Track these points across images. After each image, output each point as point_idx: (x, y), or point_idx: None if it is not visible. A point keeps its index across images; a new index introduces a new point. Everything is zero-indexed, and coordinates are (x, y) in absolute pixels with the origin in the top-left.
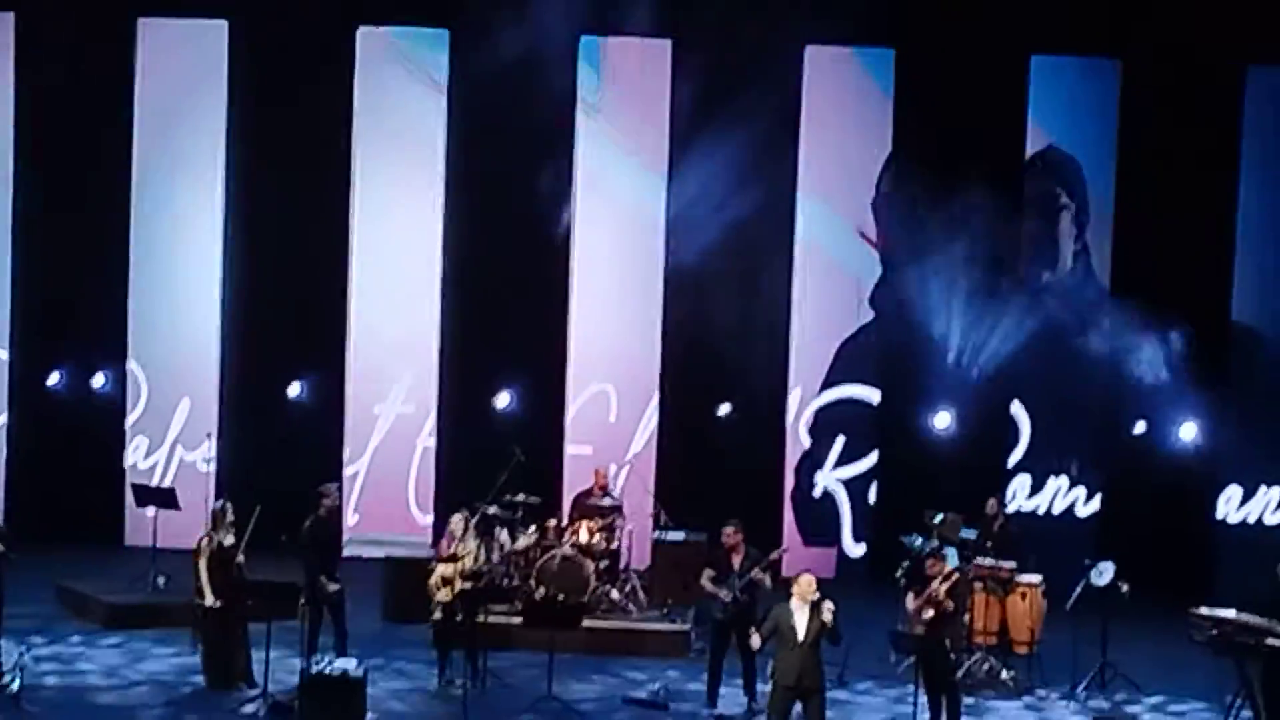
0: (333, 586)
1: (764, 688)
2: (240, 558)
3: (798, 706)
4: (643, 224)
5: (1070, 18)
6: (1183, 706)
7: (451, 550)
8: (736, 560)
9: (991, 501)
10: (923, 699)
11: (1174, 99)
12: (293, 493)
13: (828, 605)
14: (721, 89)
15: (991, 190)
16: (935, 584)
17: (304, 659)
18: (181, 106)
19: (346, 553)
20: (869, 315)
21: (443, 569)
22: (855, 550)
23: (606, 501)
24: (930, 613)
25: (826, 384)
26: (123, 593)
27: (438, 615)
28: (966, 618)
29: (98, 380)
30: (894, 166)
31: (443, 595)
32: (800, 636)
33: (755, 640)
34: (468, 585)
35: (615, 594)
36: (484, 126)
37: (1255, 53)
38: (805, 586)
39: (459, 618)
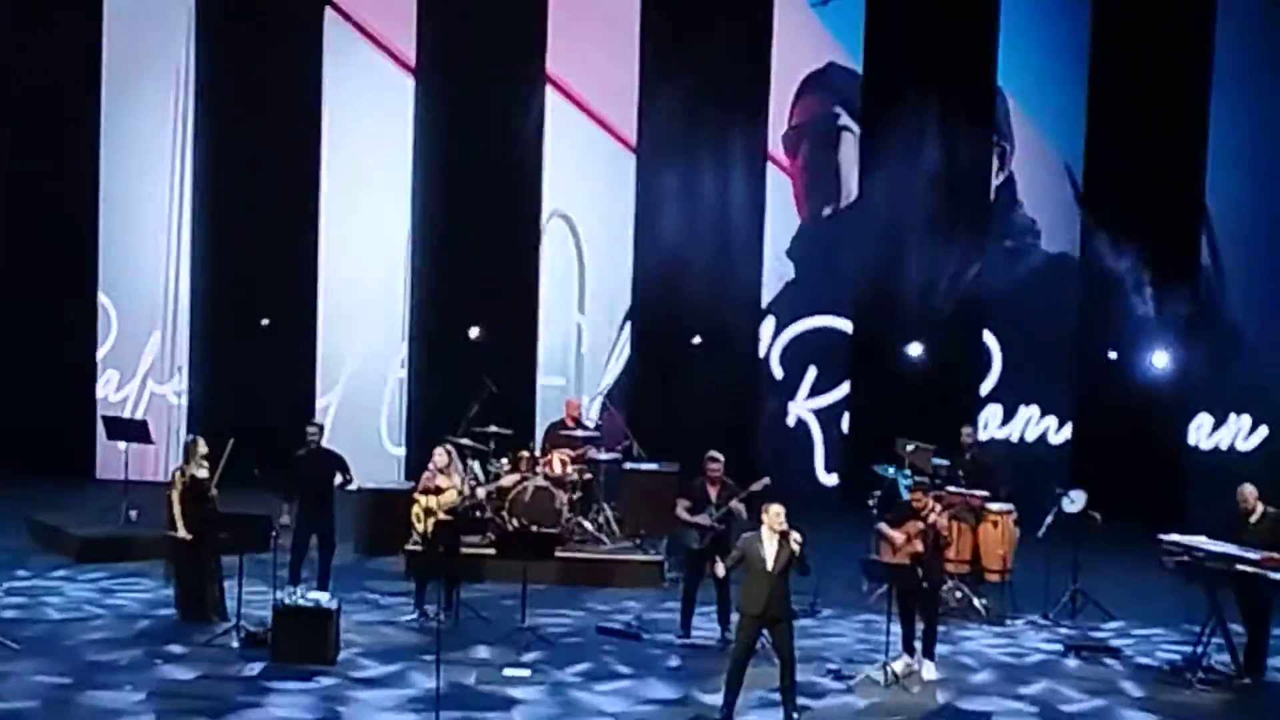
0: (284, 520)
1: (737, 618)
2: (213, 491)
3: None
4: (613, 155)
5: None
6: (1153, 632)
7: (435, 483)
8: (714, 491)
9: (965, 430)
10: (895, 627)
11: (1146, 30)
12: (265, 426)
13: (795, 536)
14: (692, 16)
15: (964, 122)
16: (936, 517)
17: (281, 589)
18: (150, 38)
19: None
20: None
21: (426, 500)
22: (828, 480)
23: (579, 433)
24: (920, 547)
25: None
26: (95, 526)
27: (418, 546)
28: None
29: (68, 313)
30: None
31: (422, 526)
32: (769, 566)
33: (719, 569)
34: (448, 517)
35: (588, 525)
36: (454, 51)
37: None
38: (774, 516)
39: (439, 549)
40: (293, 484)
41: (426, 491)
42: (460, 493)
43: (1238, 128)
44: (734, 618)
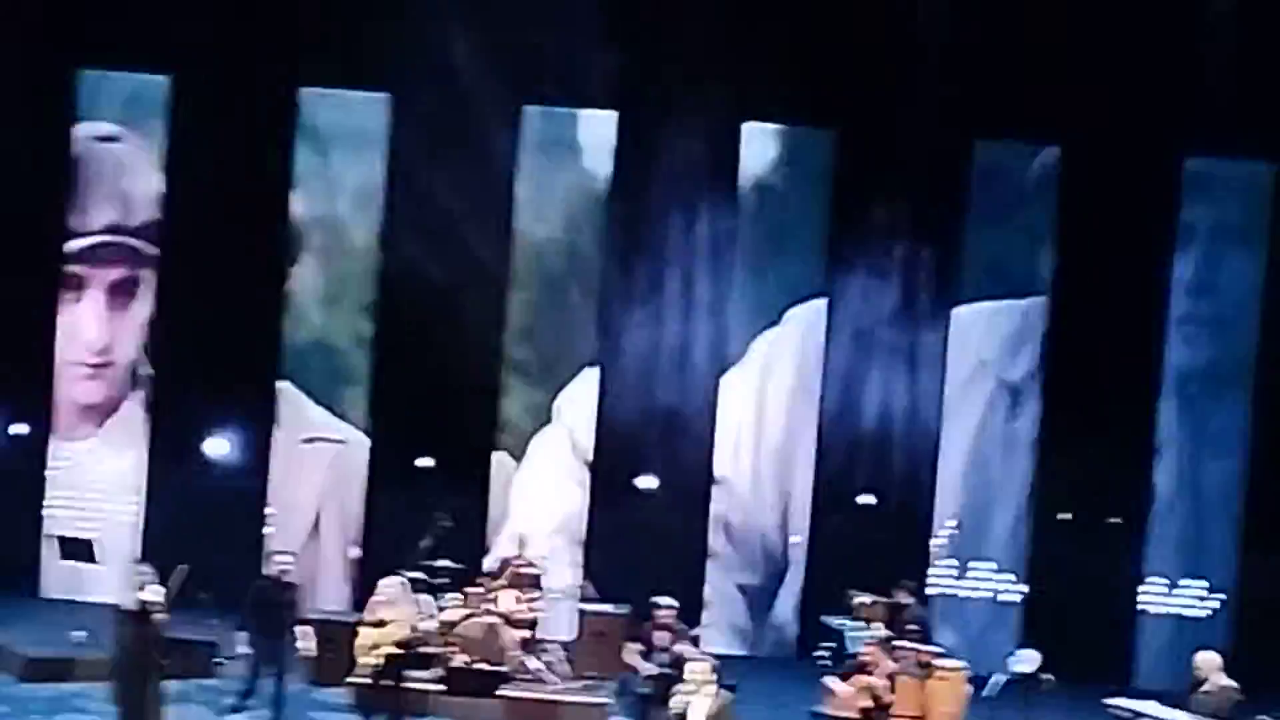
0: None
1: None
2: (163, 615)
3: None
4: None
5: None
6: None
7: (381, 614)
8: (665, 636)
9: (903, 588)
10: None
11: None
12: (216, 551)
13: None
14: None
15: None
16: (879, 679)
17: (224, 715)
18: None
19: None
20: None
21: (373, 633)
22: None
23: (530, 570)
24: (868, 703)
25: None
26: (40, 645)
27: (364, 679)
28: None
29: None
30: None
31: (370, 659)
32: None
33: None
34: (397, 651)
35: (534, 663)
36: None
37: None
38: (698, 672)
39: (386, 683)
40: (252, 611)
41: (373, 624)
42: (411, 626)
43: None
44: None
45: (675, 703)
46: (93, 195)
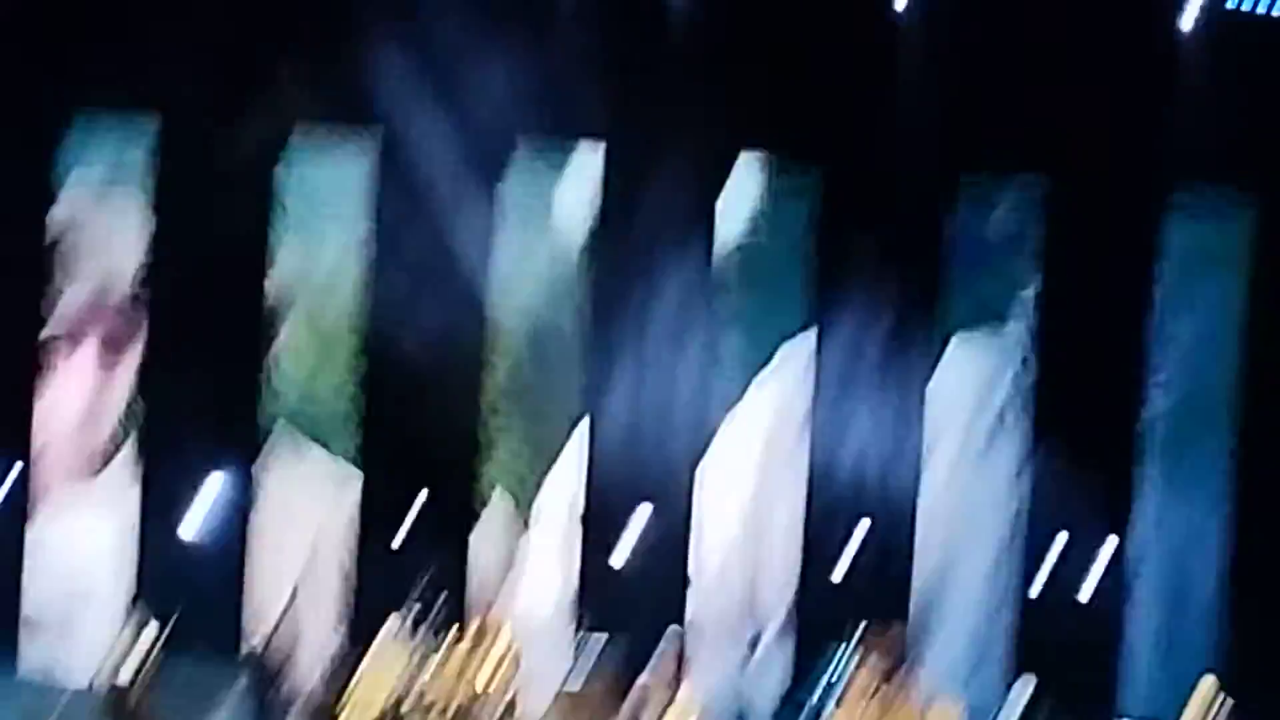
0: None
1: None
2: (147, 685)
3: None
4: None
5: None
6: None
7: (368, 675)
8: (662, 688)
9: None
10: None
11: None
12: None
13: None
14: None
15: None
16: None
17: None
18: None
19: None
20: None
21: (359, 692)
22: None
23: (513, 635)
24: None
25: None
26: None
27: None
28: None
29: None
30: None
31: None
32: None
33: None
34: (384, 712)
35: None
36: None
37: None
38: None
39: None
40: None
41: (360, 683)
42: (397, 687)
43: None
44: None
45: None
46: (79, 256)
